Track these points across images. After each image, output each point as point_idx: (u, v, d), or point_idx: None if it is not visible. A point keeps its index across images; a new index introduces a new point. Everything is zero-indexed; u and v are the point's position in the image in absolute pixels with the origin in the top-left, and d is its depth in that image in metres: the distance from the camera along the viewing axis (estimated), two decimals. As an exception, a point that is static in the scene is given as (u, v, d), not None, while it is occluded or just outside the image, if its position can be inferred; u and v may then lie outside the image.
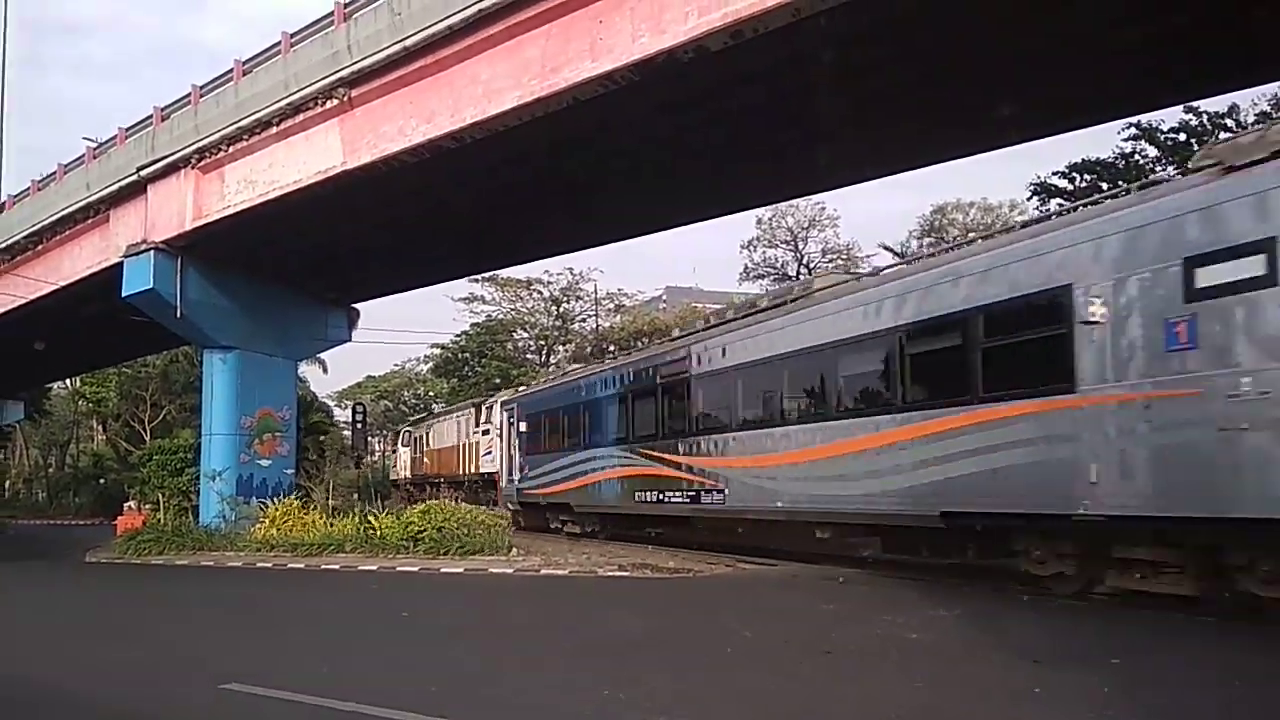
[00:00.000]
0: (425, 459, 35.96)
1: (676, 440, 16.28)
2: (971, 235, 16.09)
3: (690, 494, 15.70)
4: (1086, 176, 22.66)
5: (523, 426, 22.90)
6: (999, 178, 68.27)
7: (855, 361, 12.29)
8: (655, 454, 16.80)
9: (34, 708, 6.64)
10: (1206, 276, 7.90)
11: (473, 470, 28.94)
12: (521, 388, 27.59)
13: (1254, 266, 7.55)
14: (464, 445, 30.33)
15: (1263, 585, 7.85)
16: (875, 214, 61.44)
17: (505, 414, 24.73)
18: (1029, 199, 26.02)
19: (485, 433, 27.69)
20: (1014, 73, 14.04)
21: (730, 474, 14.63)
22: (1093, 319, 8.74)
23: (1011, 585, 10.59)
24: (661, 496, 16.64)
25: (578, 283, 44.44)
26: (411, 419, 44.14)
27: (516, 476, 23.24)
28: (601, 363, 24.15)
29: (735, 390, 14.81)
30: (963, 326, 10.44)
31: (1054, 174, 24.27)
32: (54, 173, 24.21)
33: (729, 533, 15.92)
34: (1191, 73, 14.71)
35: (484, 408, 29.19)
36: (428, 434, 36.12)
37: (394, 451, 38.30)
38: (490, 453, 26.49)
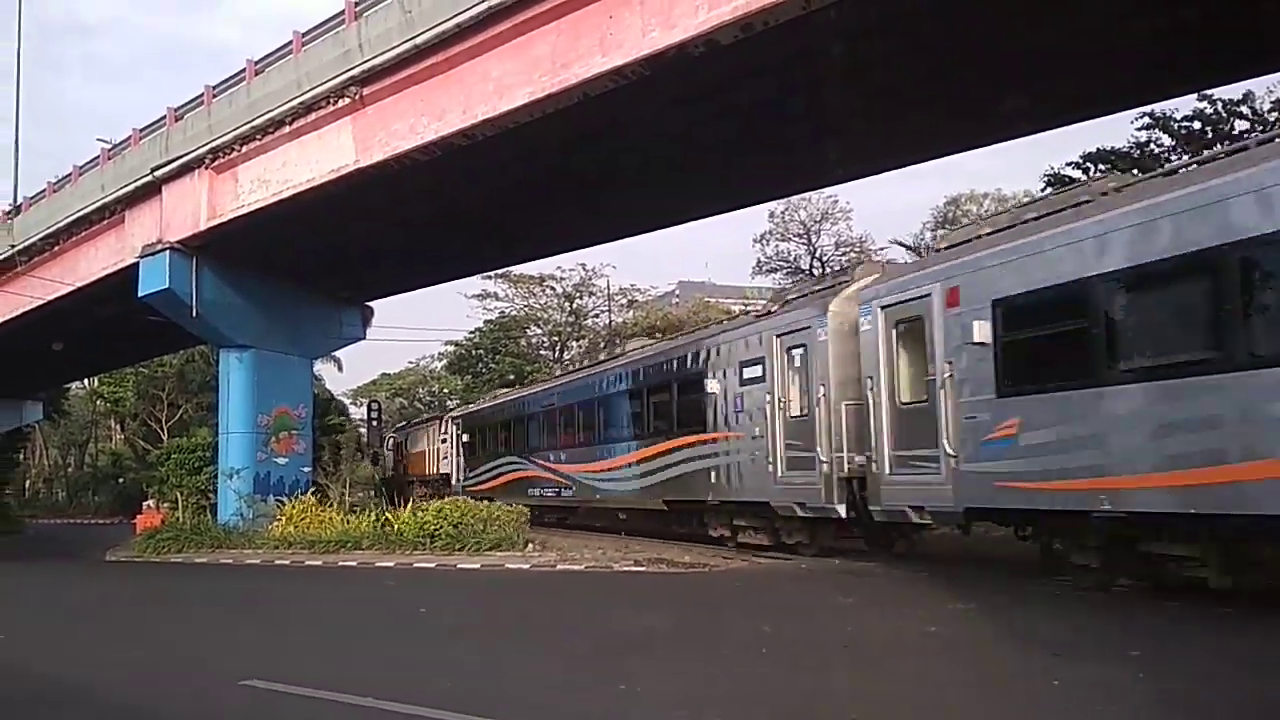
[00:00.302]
0: (405, 461, 40.05)
1: (548, 452, 22.89)
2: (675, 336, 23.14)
3: (554, 490, 22.26)
4: (1101, 166, 22.46)
5: (465, 438, 29.37)
6: (1023, 164, 67.70)
7: (631, 404, 19.13)
8: (537, 461, 23.49)
9: (58, 705, 6.73)
10: (746, 374, 14.67)
11: (436, 471, 33.98)
12: (471, 405, 33.68)
13: (758, 371, 14.39)
14: (430, 450, 35.57)
15: (789, 536, 14.24)
16: (891, 205, 61.05)
17: (455, 426, 31.15)
18: (1043, 189, 25.81)
19: (444, 441, 33.28)
20: (1023, 65, 13.99)
21: (573, 476, 21.25)
22: (712, 392, 15.49)
23: (1027, 578, 10.58)
24: (541, 492, 23.05)
25: (590, 278, 44.38)
26: (395, 426, 46.69)
27: (462, 476, 29.18)
28: (515, 390, 30.77)
29: (576, 419, 21.71)
30: (669, 387, 17.35)
31: (1068, 164, 24.09)
32: (69, 174, 24.39)
33: (575, 515, 23.55)
34: (1200, 65, 14.68)
35: (443, 421, 34.74)
36: (407, 440, 40.79)
37: (382, 454, 41.02)
38: (447, 457, 32.56)
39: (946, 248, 11.64)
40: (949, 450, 10.44)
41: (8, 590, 16.61)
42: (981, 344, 9.96)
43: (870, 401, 11.74)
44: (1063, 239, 9.29)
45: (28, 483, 60.45)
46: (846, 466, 12.50)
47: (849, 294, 12.95)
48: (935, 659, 6.98)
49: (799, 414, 13.50)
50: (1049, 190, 24.93)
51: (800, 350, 13.54)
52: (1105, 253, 8.76)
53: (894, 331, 11.57)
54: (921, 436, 10.92)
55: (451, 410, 35.88)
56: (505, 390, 32.39)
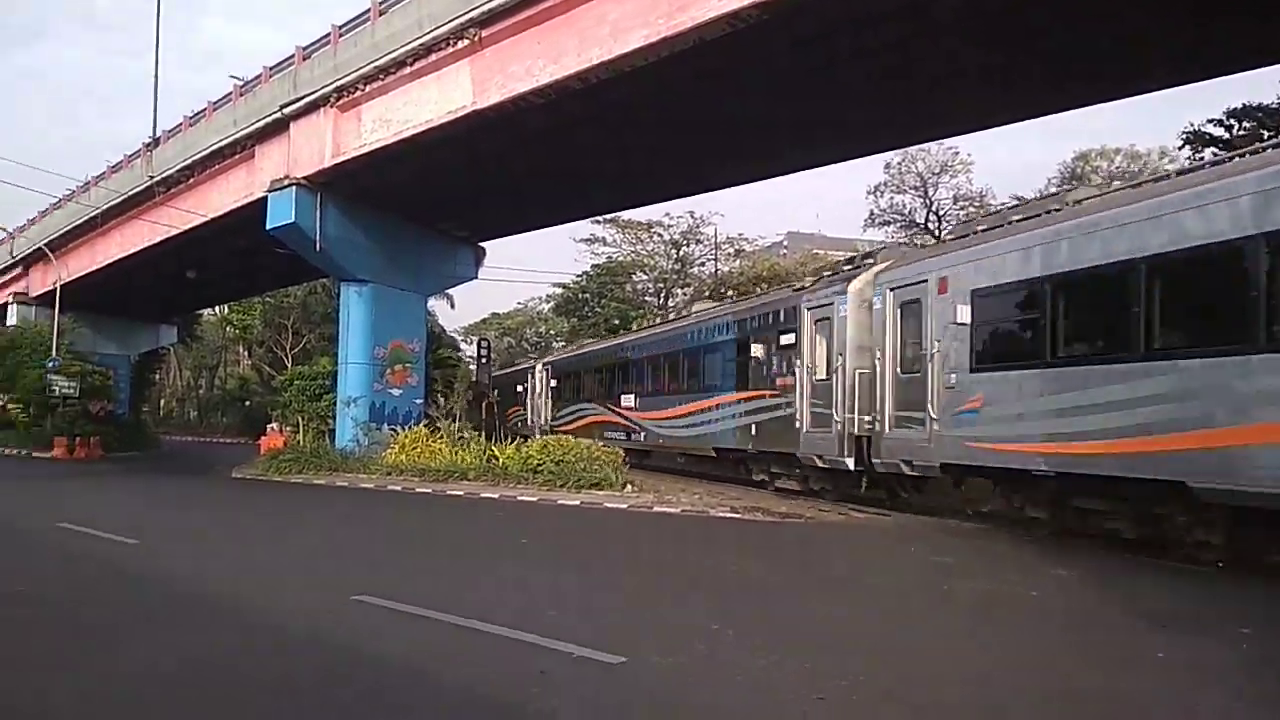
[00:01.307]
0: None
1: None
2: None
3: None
4: (1245, 123, 21.08)
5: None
6: (1156, 124, 63.47)
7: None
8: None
9: (188, 610, 7.27)
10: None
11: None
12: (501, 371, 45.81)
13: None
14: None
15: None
16: (1017, 160, 58.62)
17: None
18: (1180, 147, 24.37)
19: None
20: (1160, 17, 13.20)
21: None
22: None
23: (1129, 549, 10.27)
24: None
25: (698, 226, 44.19)
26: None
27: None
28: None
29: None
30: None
31: (1209, 121, 22.71)
32: (204, 110, 25.48)
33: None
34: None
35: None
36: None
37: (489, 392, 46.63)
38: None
39: (560, 351, 31.45)
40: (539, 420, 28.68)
41: (145, 502, 17.85)
42: (553, 385, 27.98)
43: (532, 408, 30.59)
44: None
45: (162, 401, 64.46)
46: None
47: (540, 364, 27.94)
48: (1031, 623, 6.90)
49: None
50: (1186, 148, 23.69)
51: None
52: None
53: (545, 379, 28.39)
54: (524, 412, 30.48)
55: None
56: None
